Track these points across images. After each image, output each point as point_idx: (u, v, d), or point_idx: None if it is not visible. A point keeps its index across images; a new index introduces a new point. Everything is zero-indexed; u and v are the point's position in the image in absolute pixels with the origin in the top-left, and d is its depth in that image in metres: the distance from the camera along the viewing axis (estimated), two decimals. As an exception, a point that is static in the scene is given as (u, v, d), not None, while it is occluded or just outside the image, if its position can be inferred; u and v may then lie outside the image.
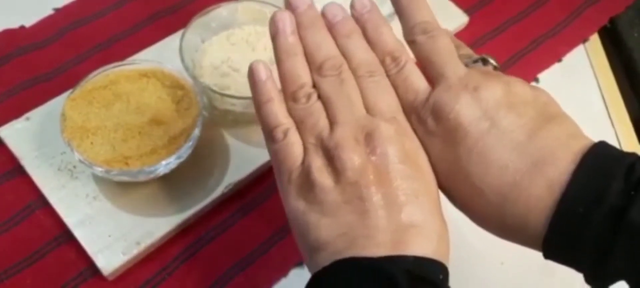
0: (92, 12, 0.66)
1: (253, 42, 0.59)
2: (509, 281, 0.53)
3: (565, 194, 0.33)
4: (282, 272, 0.52)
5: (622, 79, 0.69)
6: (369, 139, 0.35)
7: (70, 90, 0.53)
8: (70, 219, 0.51)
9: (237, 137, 0.57)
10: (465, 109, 0.35)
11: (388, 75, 0.39)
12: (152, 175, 0.50)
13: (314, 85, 0.38)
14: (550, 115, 0.36)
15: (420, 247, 0.33)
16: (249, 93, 0.54)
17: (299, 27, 0.40)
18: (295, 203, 0.36)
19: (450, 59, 0.38)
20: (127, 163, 0.49)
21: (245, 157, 0.56)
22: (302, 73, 0.38)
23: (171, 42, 0.62)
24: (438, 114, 0.36)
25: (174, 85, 0.54)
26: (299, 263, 0.52)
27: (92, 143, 0.50)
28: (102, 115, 0.51)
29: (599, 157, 0.34)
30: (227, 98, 0.54)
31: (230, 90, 0.56)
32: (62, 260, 0.50)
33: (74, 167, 0.53)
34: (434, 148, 0.37)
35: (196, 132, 0.51)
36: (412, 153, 0.36)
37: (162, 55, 0.60)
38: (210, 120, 0.57)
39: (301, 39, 0.39)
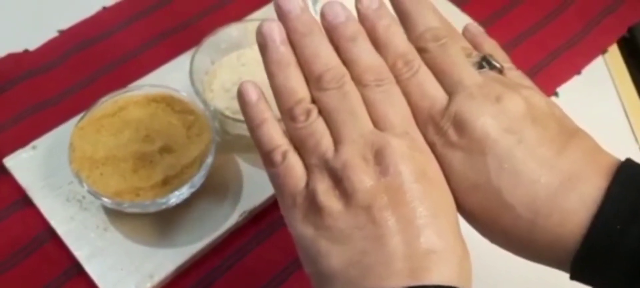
0: (98, 33, 0.64)
1: (264, 61, 0.57)
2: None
3: (601, 209, 0.32)
4: (301, 303, 0.50)
5: (642, 89, 0.67)
6: (379, 157, 0.32)
7: (77, 117, 0.52)
8: (80, 252, 0.49)
9: (251, 162, 0.55)
10: (492, 120, 0.33)
11: (399, 81, 0.35)
12: (164, 206, 0.48)
13: (313, 100, 0.35)
14: (570, 129, 0.35)
15: (441, 274, 0.31)
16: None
17: (293, 34, 0.36)
18: (302, 229, 0.33)
19: (465, 66, 0.36)
20: (138, 195, 0.47)
21: (259, 182, 0.54)
22: (298, 87, 0.35)
23: (178, 63, 0.60)
24: (462, 124, 0.34)
25: (184, 111, 0.52)
26: (317, 293, 0.50)
27: (101, 174, 0.48)
28: (111, 144, 0.50)
29: (630, 173, 0.33)
30: (240, 123, 0.52)
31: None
32: (72, 296, 0.49)
33: (83, 197, 0.51)
34: (455, 161, 0.34)
35: (209, 160, 0.49)
36: (427, 170, 0.33)
37: (170, 77, 0.58)
38: (222, 145, 0.55)
39: (296, 47, 0.36)
